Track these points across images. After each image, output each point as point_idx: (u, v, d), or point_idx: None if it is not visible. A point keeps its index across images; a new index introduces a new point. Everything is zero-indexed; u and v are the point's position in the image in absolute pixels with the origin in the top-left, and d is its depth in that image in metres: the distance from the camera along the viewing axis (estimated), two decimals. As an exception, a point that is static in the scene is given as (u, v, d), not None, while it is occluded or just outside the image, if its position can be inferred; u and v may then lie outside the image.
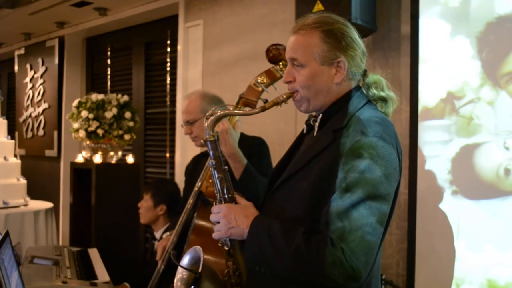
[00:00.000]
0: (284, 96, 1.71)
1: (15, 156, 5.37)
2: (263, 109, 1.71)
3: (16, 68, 7.74)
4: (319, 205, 1.54)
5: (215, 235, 1.69)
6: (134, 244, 5.13)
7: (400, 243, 3.26)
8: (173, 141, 5.30)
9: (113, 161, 5.05)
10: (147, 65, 5.93)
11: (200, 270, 1.60)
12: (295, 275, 1.54)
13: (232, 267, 1.75)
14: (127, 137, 5.00)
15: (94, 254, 3.70)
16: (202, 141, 1.75)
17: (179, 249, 2.59)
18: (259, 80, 2.47)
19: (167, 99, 5.62)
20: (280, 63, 2.47)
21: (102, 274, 3.12)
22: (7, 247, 1.74)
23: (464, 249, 2.89)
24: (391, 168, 1.54)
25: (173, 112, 5.34)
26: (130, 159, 5.15)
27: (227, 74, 4.47)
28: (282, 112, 3.93)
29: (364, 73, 1.71)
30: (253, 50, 4.21)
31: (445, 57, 3.02)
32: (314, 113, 1.76)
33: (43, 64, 7.07)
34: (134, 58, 6.08)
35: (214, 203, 1.76)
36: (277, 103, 1.71)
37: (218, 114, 1.75)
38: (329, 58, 1.63)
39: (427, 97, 3.05)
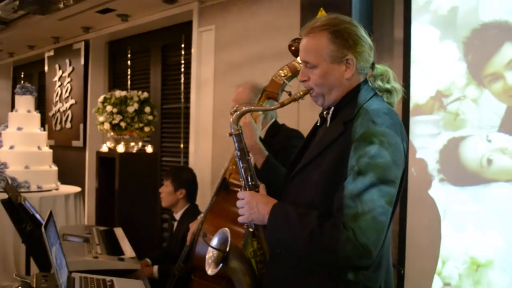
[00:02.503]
0: (301, 93, 1.68)
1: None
2: (282, 105, 1.69)
3: (46, 68, 7.72)
4: (332, 191, 1.51)
5: (239, 219, 1.67)
6: (152, 224, 5.13)
7: (392, 225, 3.24)
8: (187, 133, 5.26)
9: (134, 150, 5.04)
10: (164, 65, 5.88)
11: (227, 249, 1.58)
12: (311, 255, 1.52)
13: (257, 246, 1.73)
14: (147, 129, 5.00)
15: (119, 232, 3.68)
16: (227, 134, 1.72)
17: None
18: (281, 73, 2.38)
19: (182, 96, 5.57)
20: None
21: (128, 250, 3.10)
22: (51, 225, 1.73)
23: (449, 230, 2.88)
24: (398, 155, 1.51)
25: (187, 108, 5.29)
26: (149, 149, 5.14)
27: (236, 74, 4.43)
28: (286, 109, 3.92)
29: (372, 66, 1.67)
30: (260, 52, 4.19)
31: (434, 59, 2.99)
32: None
33: (70, 65, 7.05)
34: (152, 60, 6.04)
35: (240, 189, 1.74)
36: (295, 99, 1.69)
37: (242, 110, 1.72)
38: (337, 56, 1.60)
39: (418, 95, 3.03)
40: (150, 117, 5.01)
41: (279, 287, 1.65)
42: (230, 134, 1.74)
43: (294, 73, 2.36)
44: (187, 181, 3.55)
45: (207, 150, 4.84)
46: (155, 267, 3.33)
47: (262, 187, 1.72)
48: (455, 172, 2.87)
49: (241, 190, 1.73)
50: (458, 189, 2.86)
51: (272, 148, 2.41)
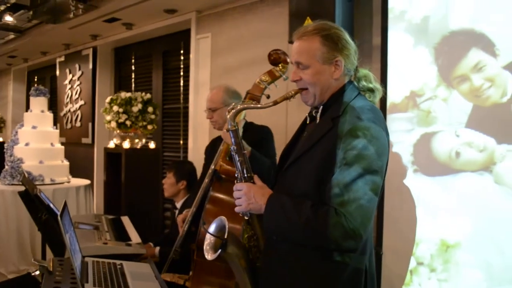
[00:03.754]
0: (293, 92, 1.67)
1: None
2: (275, 103, 1.68)
3: (57, 72, 7.65)
4: (323, 181, 1.52)
5: (237, 209, 1.67)
6: (155, 213, 5.13)
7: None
8: (186, 130, 5.24)
9: (138, 146, 5.03)
10: (164, 70, 5.86)
11: (225, 236, 1.58)
12: (306, 240, 1.52)
13: (250, 232, 1.74)
14: (150, 127, 4.99)
15: (126, 220, 3.67)
16: (225, 130, 1.72)
17: (198, 219, 2.59)
18: (262, 79, 2.46)
19: (181, 97, 5.55)
20: (280, 65, 2.46)
21: (134, 236, 3.10)
22: (66, 214, 1.73)
23: (423, 215, 2.89)
24: (382, 147, 1.52)
25: (186, 108, 5.28)
26: (152, 145, 5.13)
27: (231, 77, 4.43)
28: (275, 108, 3.93)
29: (356, 69, 1.68)
30: (253, 57, 4.18)
31: (408, 63, 2.99)
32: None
33: (79, 69, 7.00)
34: (154, 64, 6.01)
35: (236, 181, 1.73)
36: (286, 98, 1.68)
37: (238, 107, 1.72)
38: (328, 58, 1.60)
39: (394, 95, 3.04)
40: (153, 116, 4.99)
41: (274, 269, 1.66)
42: (228, 130, 1.72)
43: (273, 78, 2.45)
44: (188, 173, 3.55)
45: (204, 145, 4.79)
46: (157, 249, 3.33)
47: (256, 178, 1.71)
48: (427, 164, 2.88)
49: (237, 181, 1.72)
50: (430, 178, 2.86)
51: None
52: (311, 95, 1.65)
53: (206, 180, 2.65)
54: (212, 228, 1.66)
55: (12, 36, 7.12)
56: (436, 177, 2.84)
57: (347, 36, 1.64)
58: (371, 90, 1.70)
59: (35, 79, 9.22)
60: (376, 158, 1.49)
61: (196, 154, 4.88)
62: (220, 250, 1.57)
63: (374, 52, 3.30)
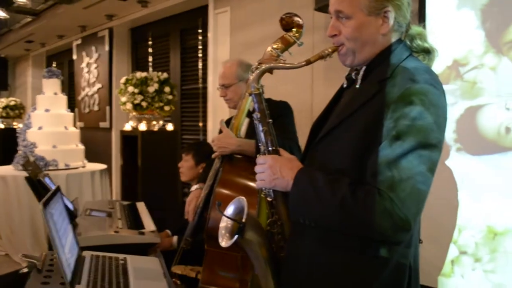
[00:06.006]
0: (330, 50, 1.35)
1: (75, 127, 5.26)
2: (308, 62, 1.36)
3: (74, 56, 7.54)
4: (364, 155, 1.21)
5: (258, 184, 1.38)
6: (173, 198, 4.97)
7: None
8: (205, 112, 5.03)
9: (156, 128, 4.85)
10: (182, 49, 5.64)
11: (244, 220, 1.30)
12: (341, 226, 1.22)
13: (274, 217, 1.43)
14: (167, 108, 4.80)
15: (141, 207, 3.45)
16: (247, 93, 1.42)
17: (208, 202, 2.35)
18: (274, 47, 2.17)
19: (200, 77, 5.32)
20: (294, 29, 2.18)
21: (148, 224, 2.86)
22: (58, 201, 1.46)
23: (466, 199, 2.61)
24: (441, 116, 1.21)
25: (205, 88, 5.06)
26: (169, 127, 4.94)
27: (252, 53, 4.12)
28: (300, 82, 3.66)
29: (408, 25, 1.36)
30: (276, 31, 3.84)
31: (450, 28, 2.68)
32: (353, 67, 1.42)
33: (96, 52, 6.85)
34: (171, 44, 5.80)
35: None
36: (322, 56, 1.35)
37: (264, 67, 1.41)
38: (376, 8, 1.28)
39: (434, 64, 2.72)
40: (170, 97, 4.81)
41: (302, 261, 1.35)
42: (250, 94, 1.44)
43: (287, 45, 2.19)
44: (208, 155, 3.29)
45: (224, 127, 4.62)
46: (175, 237, 3.13)
47: (283, 151, 1.42)
48: (472, 141, 2.59)
49: (259, 155, 1.42)
50: (476, 158, 2.58)
51: None
52: (350, 52, 1.34)
53: (217, 160, 2.39)
54: (229, 210, 1.38)
55: (28, 19, 7.05)
56: (482, 156, 2.55)
57: None
58: (427, 51, 1.39)
59: (54, 64, 9.15)
60: (435, 129, 1.18)
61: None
62: (236, 236, 1.29)
63: (411, 18, 2.97)
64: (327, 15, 3.44)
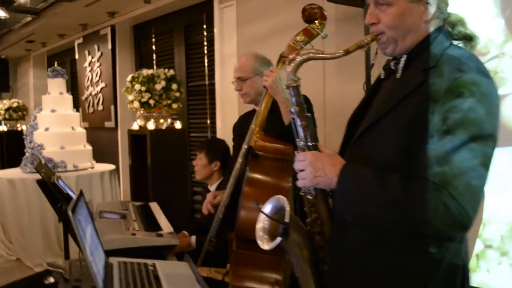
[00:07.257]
0: (369, 39, 1.29)
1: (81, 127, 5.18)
2: (347, 52, 1.29)
3: (76, 55, 7.45)
4: (412, 150, 1.15)
5: (299, 183, 1.31)
6: (183, 197, 4.90)
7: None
8: (213, 109, 4.93)
9: (164, 127, 4.78)
10: (187, 45, 5.52)
11: (287, 220, 1.22)
12: (392, 224, 1.16)
13: (314, 216, 1.37)
14: (174, 106, 4.73)
15: (155, 207, 3.38)
16: (284, 86, 1.36)
17: (233, 203, 2.30)
18: (297, 39, 2.15)
19: (206, 74, 5.20)
20: (316, 21, 2.14)
21: (165, 225, 2.79)
22: (82, 206, 1.39)
23: (491, 192, 2.53)
24: (494, 106, 1.15)
25: (212, 84, 4.94)
26: (178, 125, 4.86)
27: (260, 47, 4.04)
28: (312, 76, 3.57)
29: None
30: (285, 23, 3.80)
31: (470, 17, 2.59)
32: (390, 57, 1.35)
33: (98, 50, 6.75)
34: (175, 40, 5.69)
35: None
36: (361, 46, 1.29)
37: (300, 58, 1.34)
38: None
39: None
40: (177, 94, 4.73)
41: (347, 261, 1.29)
42: (288, 86, 1.37)
43: (310, 37, 2.15)
44: (222, 153, 3.21)
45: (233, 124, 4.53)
46: (193, 238, 3.07)
47: (322, 147, 1.36)
48: (496, 132, 2.52)
49: (298, 151, 1.36)
50: (499, 149, 2.48)
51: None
52: (391, 41, 1.27)
53: (240, 160, 2.32)
54: (267, 209, 1.30)
55: (28, 18, 6.93)
56: (506, 148, 2.45)
57: None
58: (469, 38, 1.32)
59: (55, 64, 9.05)
60: (488, 121, 1.12)
61: (225, 134, 4.57)
62: (280, 238, 1.22)
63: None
64: (337, 6, 3.36)
